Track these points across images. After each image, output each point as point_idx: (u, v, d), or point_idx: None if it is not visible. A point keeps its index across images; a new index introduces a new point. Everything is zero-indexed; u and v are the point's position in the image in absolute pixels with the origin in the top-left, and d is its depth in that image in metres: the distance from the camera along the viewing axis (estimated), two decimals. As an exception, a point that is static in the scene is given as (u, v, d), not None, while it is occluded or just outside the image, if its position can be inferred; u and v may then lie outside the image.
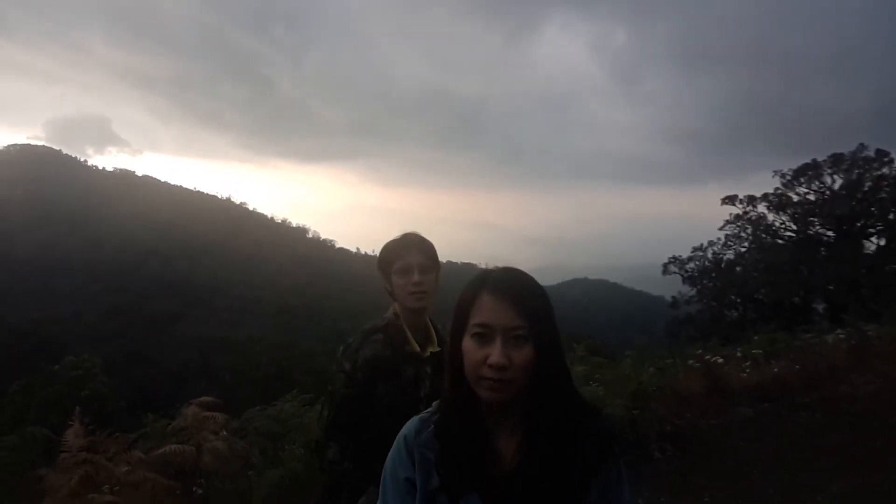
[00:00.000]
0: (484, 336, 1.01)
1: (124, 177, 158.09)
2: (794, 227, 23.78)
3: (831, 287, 20.10)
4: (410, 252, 1.86)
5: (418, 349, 1.89)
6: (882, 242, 21.43)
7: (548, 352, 1.02)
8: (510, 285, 1.05)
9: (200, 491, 3.86)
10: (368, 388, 1.83)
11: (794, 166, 23.91)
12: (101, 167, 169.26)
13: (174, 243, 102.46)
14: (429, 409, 1.15)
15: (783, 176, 23.92)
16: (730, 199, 24.82)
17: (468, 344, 1.03)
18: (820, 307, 20.19)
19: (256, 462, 4.25)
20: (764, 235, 24.29)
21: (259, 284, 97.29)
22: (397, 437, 1.13)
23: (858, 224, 22.04)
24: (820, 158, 23.22)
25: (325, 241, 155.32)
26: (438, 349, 1.90)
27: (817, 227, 23.35)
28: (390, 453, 1.13)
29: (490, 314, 1.01)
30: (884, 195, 21.20)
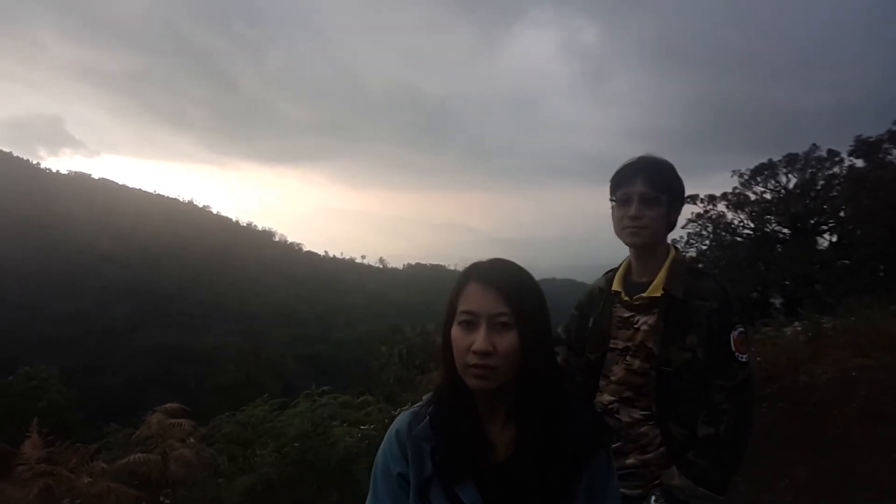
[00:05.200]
0: (470, 324, 1.03)
1: (80, 180, 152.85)
2: (752, 225, 24.58)
3: (787, 282, 20.85)
4: (635, 181, 1.60)
5: (619, 289, 1.68)
6: (834, 239, 22.30)
7: (533, 339, 1.03)
8: (496, 273, 1.07)
9: (168, 501, 3.74)
10: (584, 316, 1.82)
11: (753, 166, 24.76)
12: (54, 170, 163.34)
13: (133, 249, 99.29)
14: (419, 403, 1.16)
15: (741, 175, 24.71)
16: (691, 198, 25.49)
17: (456, 332, 1.04)
18: (777, 301, 20.87)
19: (225, 469, 4.15)
20: (723, 233, 25.04)
21: (223, 290, 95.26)
22: (388, 432, 1.13)
23: (812, 221, 22.93)
24: (776, 158, 24.11)
25: (292, 244, 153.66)
26: (658, 294, 1.60)
27: (773, 225, 24.18)
28: (382, 448, 1.13)
29: (475, 301, 1.03)
30: (835, 193, 22.09)
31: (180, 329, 72.42)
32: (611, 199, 1.68)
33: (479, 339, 1.00)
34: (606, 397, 1.69)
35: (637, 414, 1.64)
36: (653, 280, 1.63)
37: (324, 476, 3.85)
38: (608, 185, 1.73)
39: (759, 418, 5.03)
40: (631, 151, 1.72)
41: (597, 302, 1.77)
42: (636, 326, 1.64)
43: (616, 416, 1.66)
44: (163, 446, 3.99)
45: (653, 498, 1.60)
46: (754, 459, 4.17)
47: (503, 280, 1.05)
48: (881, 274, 17.85)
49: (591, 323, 1.77)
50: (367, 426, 4.34)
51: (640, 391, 1.64)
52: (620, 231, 1.65)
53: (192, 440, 4.25)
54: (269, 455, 4.04)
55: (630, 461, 1.64)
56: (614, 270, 1.78)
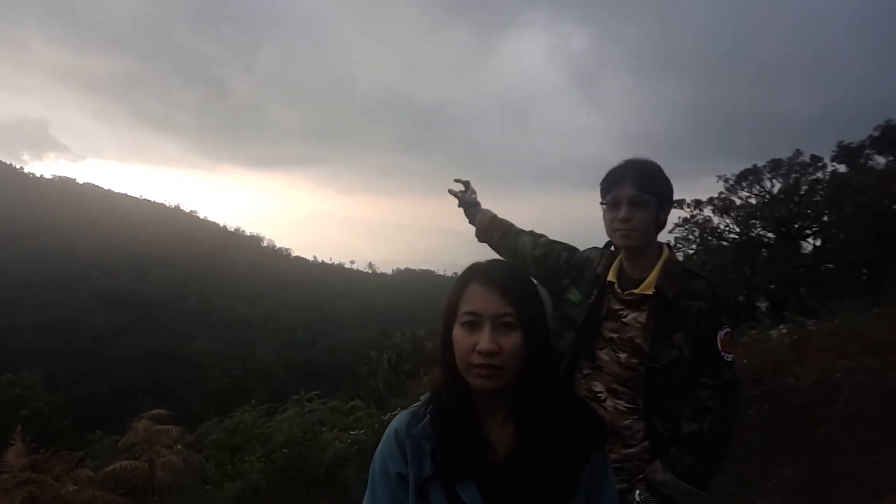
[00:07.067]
0: (473, 324, 1.03)
1: (64, 184, 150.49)
2: (738, 230, 24.82)
3: (772, 286, 21.07)
4: (623, 184, 1.62)
5: (614, 280, 1.69)
6: (818, 243, 22.57)
7: (536, 338, 1.04)
8: (498, 274, 1.08)
9: (155, 508, 3.71)
10: (568, 285, 1.78)
11: (738, 171, 25.03)
12: (38, 174, 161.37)
13: (119, 254, 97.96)
14: (417, 403, 1.16)
15: (727, 181, 24.97)
16: (678, 203, 25.75)
17: (458, 333, 1.05)
18: (762, 305, 21.06)
19: (213, 476, 4.11)
20: (710, 238, 25.27)
21: (210, 296, 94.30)
22: (387, 432, 1.13)
23: (796, 226, 23.19)
24: (760, 164, 24.42)
25: (280, 249, 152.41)
26: (650, 293, 1.61)
27: (758, 230, 24.42)
28: (380, 448, 1.12)
29: (478, 302, 1.04)
30: (818, 199, 22.38)
31: (167, 335, 71.57)
32: (601, 203, 1.70)
33: (485, 340, 1.01)
34: (598, 385, 1.70)
35: (622, 406, 1.66)
36: (645, 277, 1.65)
37: (313, 482, 3.83)
38: (598, 188, 1.75)
39: (745, 420, 5.09)
40: (621, 156, 1.71)
41: (590, 281, 1.76)
42: (624, 321, 1.66)
43: (603, 405, 1.67)
44: (149, 453, 3.95)
45: (637, 492, 1.61)
46: (741, 460, 4.21)
47: (505, 280, 1.06)
48: (864, 278, 18.12)
49: (577, 298, 1.76)
50: (356, 431, 4.32)
51: (626, 384, 1.65)
52: (612, 234, 1.68)
53: (179, 447, 4.21)
54: (258, 461, 4.01)
55: (614, 456, 1.64)
56: (612, 253, 1.77)
